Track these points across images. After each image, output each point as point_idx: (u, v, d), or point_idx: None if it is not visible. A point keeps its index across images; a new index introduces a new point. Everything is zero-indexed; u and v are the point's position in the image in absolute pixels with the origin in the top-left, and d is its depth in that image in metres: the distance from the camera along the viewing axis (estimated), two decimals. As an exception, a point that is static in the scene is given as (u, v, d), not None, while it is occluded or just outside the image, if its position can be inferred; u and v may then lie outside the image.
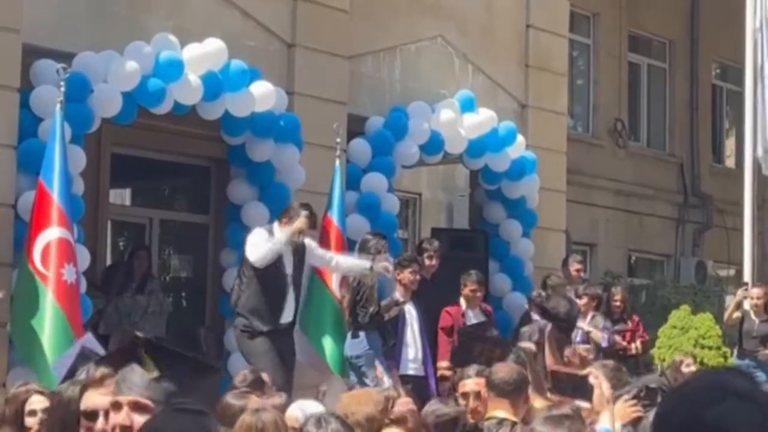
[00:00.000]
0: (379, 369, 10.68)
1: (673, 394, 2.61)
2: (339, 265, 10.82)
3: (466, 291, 12.26)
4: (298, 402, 6.67)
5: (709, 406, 2.47)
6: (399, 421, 4.93)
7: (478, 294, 12.35)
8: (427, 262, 12.14)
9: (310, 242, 10.59)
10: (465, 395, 7.16)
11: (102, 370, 4.15)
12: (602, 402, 4.33)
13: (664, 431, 2.54)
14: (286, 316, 10.43)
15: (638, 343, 13.49)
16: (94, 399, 3.97)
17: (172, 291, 14.28)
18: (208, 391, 3.71)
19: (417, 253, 12.45)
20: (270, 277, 10.27)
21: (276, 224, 10.37)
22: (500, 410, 6.50)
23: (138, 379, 3.66)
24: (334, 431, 4.48)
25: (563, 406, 5.24)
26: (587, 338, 12.65)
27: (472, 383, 7.15)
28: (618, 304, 13.76)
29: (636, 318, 13.98)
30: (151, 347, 3.78)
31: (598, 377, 4.44)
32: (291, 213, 10.33)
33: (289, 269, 10.39)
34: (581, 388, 4.51)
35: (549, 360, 11.75)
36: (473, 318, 12.26)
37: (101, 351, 6.77)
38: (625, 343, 13.26)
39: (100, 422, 3.89)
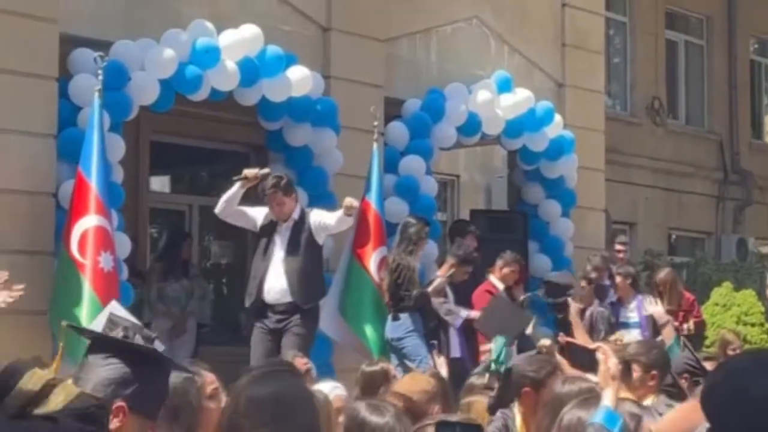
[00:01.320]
0: (438, 361, 10.63)
1: (722, 368, 2.62)
2: (334, 229, 10.52)
3: (506, 271, 12.15)
4: (325, 383, 6.63)
5: (756, 379, 2.48)
6: None
7: (516, 275, 12.26)
8: (469, 243, 12.12)
9: (314, 217, 10.36)
10: None
11: None
12: (606, 379, 4.28)
13: (712, 403, 2.56)
14: (276, 296, 10.20)
15: (691, 323, 13.28)
16: None
17: (212, 277, 14.34)
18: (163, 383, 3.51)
19: (452, 234, 12.42)
20: (257, 256, 10.39)
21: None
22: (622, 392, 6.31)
23: (93, 376, 3.40)
24: (393, 418, 4.42)
25: (583, 385, 5.15)
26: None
27: None
28: (660, 288, 13.59)
29: (691, 298, 13.72)
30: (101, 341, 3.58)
31: (606, 353, 4.40)
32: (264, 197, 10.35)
33: (278, 247, 10.24)
34: (590, 363, 4.48)
35: (578, 335, 11.71)
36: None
37: (129, 317, 6.80)
38: (677, 324, 13.08)
39: None
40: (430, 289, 11.15)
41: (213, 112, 11.63)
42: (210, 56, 10.46)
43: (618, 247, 14.27)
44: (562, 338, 10.46)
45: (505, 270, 12.13)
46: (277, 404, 3.12)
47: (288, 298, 10.16)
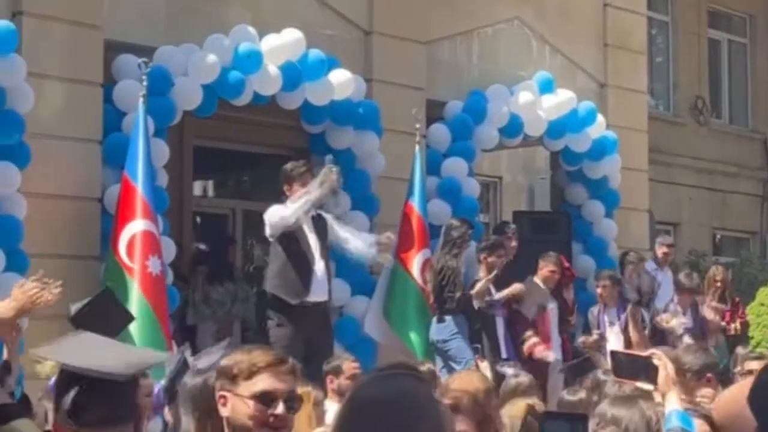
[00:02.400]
0: (481, 365, 10.58)
1: (769, 368, 2.61)
2: (349, 249, 10.24)
3: (545, 272, 12.11)
4: None
5: None
6: None
7: (556, 276, 12.19)
8: (506, 243, 12.09)
9: (330, 219, 10.21)
10: None
11: (277, 355, 3.84)
12: (668, 383, 4.26)
13: (760, 402, 2.55)
14: (317, 294, 9.99)
15: (737, 323, 13.36)
16: (270, 382, 3.70)
17: (255, 281, 14.37)
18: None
19: (495, 235, 12.42)
20: (293, 251, 9.94)
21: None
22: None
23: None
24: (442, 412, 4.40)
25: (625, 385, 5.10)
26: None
27: None
28: (719, 284, 13.63)
29: (737, 299, 13.80)
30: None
31: (661, 358, 4.38)
32: (295, 181, 9.99)
33: (312, 243, 9.99)
34: (641, 370, 4.44)
35: (634, 337, 11.76)
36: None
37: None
38: (724, 323, 13.20)
39: (280, 407, 3.68)
40: (473, 291, 11.15)
41: (255, 117, 11.66)
42: (252, 61, 10.51)
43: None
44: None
45: (544, 271, 12.09)
46: (400, 405, 3.07)
47: (326, 297, 10.13)
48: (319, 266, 10.04)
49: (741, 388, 2.78)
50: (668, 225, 19.27)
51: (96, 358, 3.41)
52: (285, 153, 13.11)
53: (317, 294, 10.04)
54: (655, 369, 4.38)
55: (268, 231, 10.04)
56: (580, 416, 3.01)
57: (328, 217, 10.28)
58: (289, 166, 10.22)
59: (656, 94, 19.95)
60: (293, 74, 10.78)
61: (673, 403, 4.10)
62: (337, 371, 8.41)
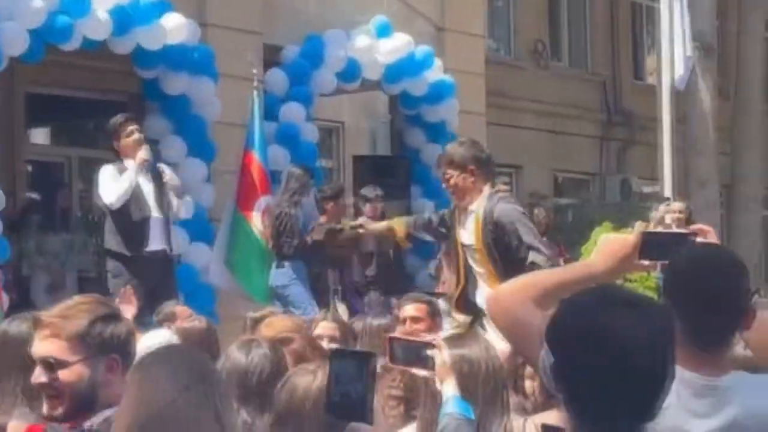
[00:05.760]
0: (341, 308, 10.50)
1: (566, 303, 2.66)
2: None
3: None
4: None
5: (600, 313, 2.54)
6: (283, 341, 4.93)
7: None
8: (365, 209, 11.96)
9: (165, 169, 10.07)
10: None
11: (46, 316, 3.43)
12: (446, 370, 4.25)
13: (558, 338, 2.60)
14: (154, 243, 9.82)
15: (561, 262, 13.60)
16: (35, 345, 3.40)
17: (93, 229, 14.11)
18: None
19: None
20: (127, 204, 9.70)
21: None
22: None
23: None
24: (262, 356, 4.39)
25: None
26: None
27: (412, 309, 6.91)
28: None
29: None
30: None
31: (440, 345, 4.39)
32: (120, 134, 9.76)
33: (147, 193, 9.78)
34: (417, 357, 4.43)
35: None
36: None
37: None
38: None
39: (35, 374, 3.36)
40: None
41: (88, 62, 11.43)
42: (80, 5, 10.25)
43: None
44: None
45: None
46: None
47: (164, 245, 9.91)
48: (155, 215, 9.88)
49: None
50: (510, 168, 19.50)
51: None
52: (120, 99, 12.91)
53: (154, 243, 9.88)
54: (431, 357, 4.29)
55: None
56: (367, 353, 3.04)
57: (164, 168, 10.10)
58: (111, 120, 9.97)
59: (497, 37, 20.13)
60: (124, 18, 10.56)
61: (450, 389, 4.13)
62: (171, 318, 8.29)
